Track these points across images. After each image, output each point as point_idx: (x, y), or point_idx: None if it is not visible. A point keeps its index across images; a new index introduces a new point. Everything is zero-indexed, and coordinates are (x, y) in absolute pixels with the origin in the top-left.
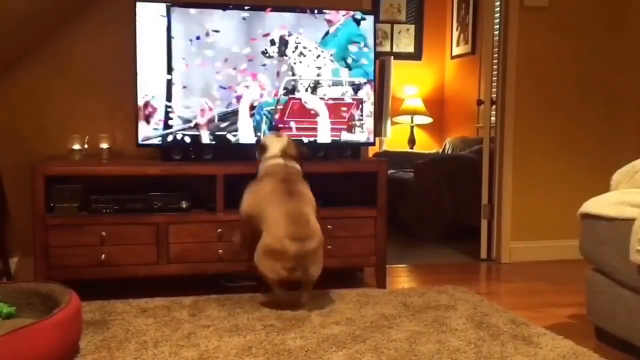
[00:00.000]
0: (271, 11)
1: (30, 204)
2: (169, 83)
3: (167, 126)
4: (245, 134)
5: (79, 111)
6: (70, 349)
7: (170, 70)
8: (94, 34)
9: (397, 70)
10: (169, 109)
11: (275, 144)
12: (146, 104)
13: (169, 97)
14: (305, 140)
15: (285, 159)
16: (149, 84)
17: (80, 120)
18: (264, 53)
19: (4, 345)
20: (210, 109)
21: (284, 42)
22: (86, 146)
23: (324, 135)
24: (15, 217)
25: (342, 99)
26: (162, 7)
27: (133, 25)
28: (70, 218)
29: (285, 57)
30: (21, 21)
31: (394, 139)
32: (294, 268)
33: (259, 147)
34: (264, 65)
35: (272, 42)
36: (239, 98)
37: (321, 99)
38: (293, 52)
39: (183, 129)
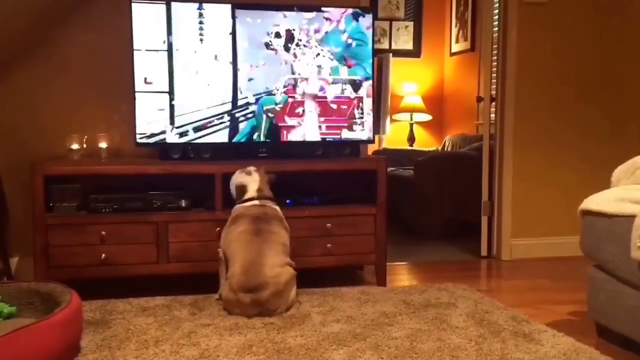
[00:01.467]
0: (270, 9)
1: (29, 204)
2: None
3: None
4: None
5: (78, 111)
6: (71, 349)
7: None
8: (92, 32)
9: (396, 67)
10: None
11: (252, 185)
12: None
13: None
14: (302, 138)
15: (261, 200)
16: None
17: (78, 120)
18: (268, 45)
19: (5, 345)
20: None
21: (289, 38)
22: (85, 146)
23: (314, 133)
24: (14, 217)
25: (342, 97)
26: (161, 6)
27: (130, 24)
28: (69, 217)
29: (286, 54)
30: (19, 21)
31: (394, 137)
32: (257, 313)
33: (238, 189)
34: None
35: (277, 35)
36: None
37: (320, 97)
38: (294, 49)
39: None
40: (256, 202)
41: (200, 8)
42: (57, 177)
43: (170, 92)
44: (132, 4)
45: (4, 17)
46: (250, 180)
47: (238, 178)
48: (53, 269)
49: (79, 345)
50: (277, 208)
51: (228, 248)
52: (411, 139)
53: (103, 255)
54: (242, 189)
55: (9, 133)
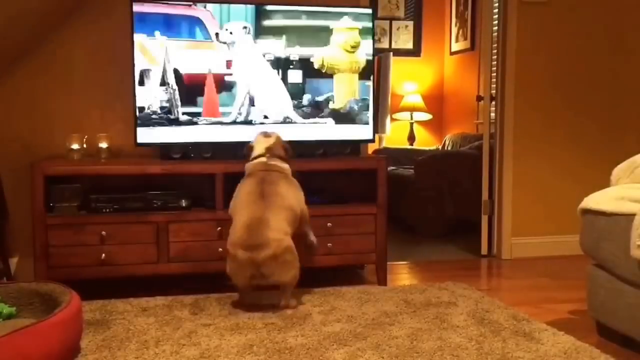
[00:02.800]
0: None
1: (29, 204)
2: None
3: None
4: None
5: (78, 110)
6: (71, 349)
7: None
8: (92, 32)
9: (396, 66)
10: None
11: (260, 144)
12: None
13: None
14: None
15: (269, 158)
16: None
17: (79, 120)
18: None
19: (5, 345)
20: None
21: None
22: (85, 145)
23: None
24: (14, 217)
25: None
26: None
27: (130, 23)
28: (69, 218)
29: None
30: (19, 21)
31: (394, 136)
32: (251, 276)
33: (246, 147)
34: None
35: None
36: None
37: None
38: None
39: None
40: (263, 159)
41: None
42: (57, 177)
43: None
44: (133, 3)
45: (4, 18)
46: (263, 141)
47: (254, 139)
48: (53, 269)
49: (79, 346)
50: (286, 166)
51: (234, 208)
52: (411, 138)
53: (103, 255)
54: (249, 148)
55: (9, 132)
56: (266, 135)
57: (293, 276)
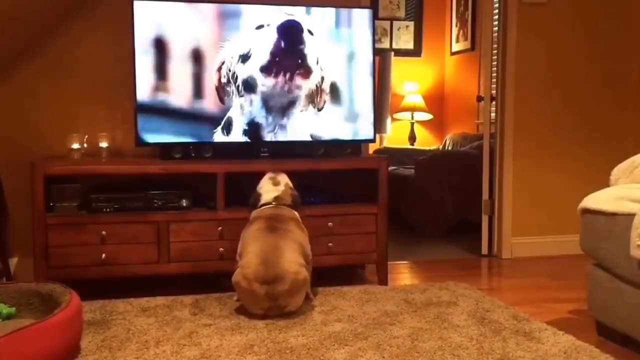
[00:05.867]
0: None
1: (29, 203)
2: None
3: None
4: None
5: (78, 110)
6: (71, 349)
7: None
8: (93, 32)
9: (397, 66)
10: None
11: (269, 193)
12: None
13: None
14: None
15: (276, 206)
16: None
17: (79, 119)
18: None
19: (5, 346)
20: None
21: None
22: (85, 145)
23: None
24: (14, 217)
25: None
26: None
27: (132, 23)
28: (70, 217)
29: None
30: (19, 21)
31: (395, 136)
32: (268, 308)
33: (253, 196)
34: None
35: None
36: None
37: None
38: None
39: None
40: (271, 205)
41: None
42: (58, 176)
43: None
44: (134, 2)
45: (4, 17)
46: (271, 189)
47: (261, 184)
48: (53, 269)
49: (79, 346)
50: (295, 212)
51: (244, 245)
52: (412, 138)
53: (103, 255)
54: (257, 196)
55: (9, 132)
56: (275, 182)
57: (300, 305)
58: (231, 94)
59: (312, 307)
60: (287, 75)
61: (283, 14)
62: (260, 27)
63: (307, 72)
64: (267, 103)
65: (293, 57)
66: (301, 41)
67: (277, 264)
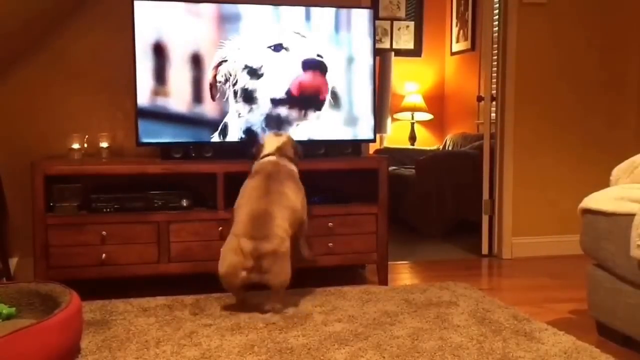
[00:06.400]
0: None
1: (29, 203)
2: None
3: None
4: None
5: (79, 110)
6: (71, 350)
7: None
8: (93, 31)
9: (397, 66)
10: None
11: (271, 143)
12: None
13: None
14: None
15: (278, 157)
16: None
17: (79, 119)
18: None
19: (5, 346)
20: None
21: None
22: (86, 145)
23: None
24: (14, 217)
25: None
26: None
27: (132, 22)
28: (70, 217)
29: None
30: (20, 20)
31: (395, 136)
32: (251, 268)
33: (256, 145)
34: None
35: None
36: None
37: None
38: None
39: None
40: (272, 157)
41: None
42: (58, 176)
43: None
44: (134, 2)
45: (5, 16)
46: (274, 140)
47: (265, 137)
48: (53, 269)
49: (79, 346)
50: (294, 168)
51: (238, 202)
52: (412, 138)
53: (104, 255)
54: (259, 146)
55: (9, 132)
56: (277, 134)
57: (284, 281)
58: (225, 95)
59: (312, 307)
60: (302, 112)
61: (298, 36)
62: (277, 48)
63: (320, 107)
64: (268, 117)
65: (312, 99)
66: (325, 83)
67: (266, 225)
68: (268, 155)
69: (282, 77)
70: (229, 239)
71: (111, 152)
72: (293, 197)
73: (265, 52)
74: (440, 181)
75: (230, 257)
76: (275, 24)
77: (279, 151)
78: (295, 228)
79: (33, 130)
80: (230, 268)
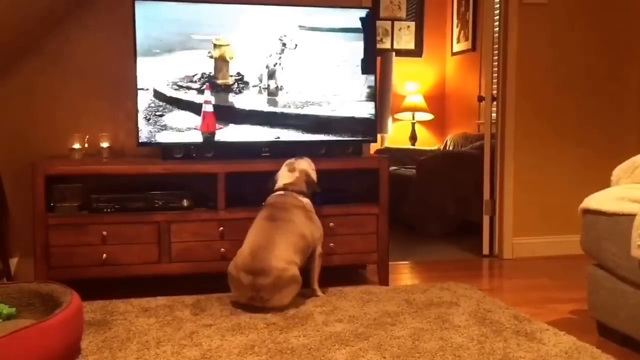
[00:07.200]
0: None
1: (30, 203)
2: None
3: None
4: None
5: (79, 110)
6: (72, 350)
7: None
8: (94, 30)
9: (398, 67)
10: None
11: (282, 178)
12: None
13: None
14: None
15: (288, 192)
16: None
17: (80, 119)
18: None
19: (5, 346)
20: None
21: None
22: (86, 145)
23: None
24: (15, 217)
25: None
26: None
27: (133, 21)
28: (70, 217)
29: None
30: (21, 18)
31: (396, 136)
32: (251, 297)
33: (271, 181)
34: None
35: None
36: None
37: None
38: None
39: None
40: (281, 192)
41: None
42: (59, 176)
43: None
44: (135, 2)
45: (6, 16)
46: (287, 176)
47: (280, 170)
48: (53, 269)
49: (80, 347)
50: (304, 200)
51: (248, 232)
52: (413, 138)
53: (104, 255)
54: (273, 182)
55: (10, 131)
56: (290, 168)
57: (285, 305)
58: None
59: (313, 307)
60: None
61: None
62: (280, 47)
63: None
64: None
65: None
66: None
67: (265, 258)
68: (278, 190)
69: (285, 75)
70: (230, 265)
71: (112, 152)
72: (301, 225)
73: (268, 51)
74: (441, 181)
75: (232, 284)
76: (278, 23)
77: (290, 186)
78: (306, 255)
79: (34, 130)
80: (235, 292)
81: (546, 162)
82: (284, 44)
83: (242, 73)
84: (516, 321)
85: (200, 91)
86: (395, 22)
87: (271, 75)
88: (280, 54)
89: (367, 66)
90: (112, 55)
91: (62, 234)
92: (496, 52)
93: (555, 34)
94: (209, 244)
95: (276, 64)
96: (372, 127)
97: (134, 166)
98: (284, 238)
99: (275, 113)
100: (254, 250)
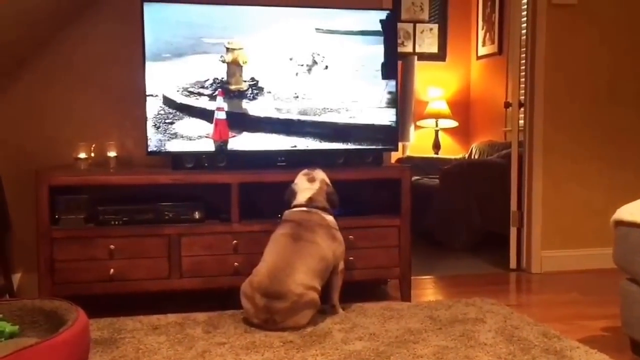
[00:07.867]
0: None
1: (33, 215)
2: None
3: None
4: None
5: (85, 117)
6: None
7: None
8: (101, 36)
9: (421, 71)
10: None
11: (303, 192)
12: None
13: None
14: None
15: (310, 207)
16: None
17: (86, 127)
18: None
19: None
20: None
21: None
22: (93, 154)
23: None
24: (17, 230)
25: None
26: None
27: (141, 27)
28: (76, 230)
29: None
30: (26, 23)
31: (418, 144)
32: (265, 320)
33: (288, 192)
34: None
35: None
36: None
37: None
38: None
39: None
40: (304, 208)
41: None
42: (64, 187)
43: None
44: (144, 4)
45: (10, 22)
46: (307, 189)
47: (296, 180)
48: (58, 285)
49: None
50: (329, 217)
51: (266, 248)
52: (436, 146)
53: (112, 270)
54: (292, 194)
55: (13, 140)
56: (310, 179)
57: (298, 328)
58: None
59: (331, 324)
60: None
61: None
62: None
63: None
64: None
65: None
66: None
67: (283, 282)
68: (299, 205)
69: (301, 81)
70: (245, 283)
71: (119, 161)
72: (325, 246)
73: (283, 57)
74: (466, 192)
75: (245, 305)
76: (294, 25)
77: (310, 202)
78: (326, 277)
79: (38, 139)
80: (247, 313)
81: (576, 171)
82: (314, 62)
83: (256, 78)
84: (545, 339)
85: (212, 97)
86: (418, 25)
87: (289, 81)
88: (309, 67)
89: (388, 71)
90: (120, 60)
91: (67, 248)
92: (524, 55)
93: (586, 36)
94: (221, 258)
95: (297, 73)
96: (393, 135)
97: (143, 176)
98: (305, 262)
99: (291, 120)
100: (272, 271)
